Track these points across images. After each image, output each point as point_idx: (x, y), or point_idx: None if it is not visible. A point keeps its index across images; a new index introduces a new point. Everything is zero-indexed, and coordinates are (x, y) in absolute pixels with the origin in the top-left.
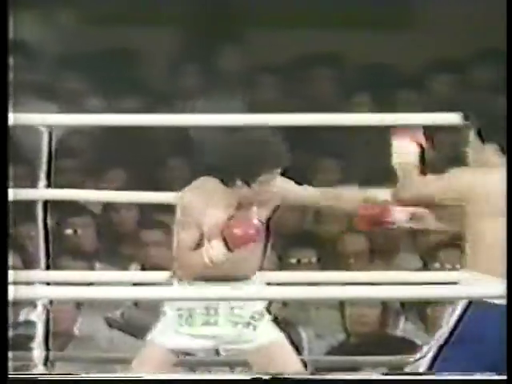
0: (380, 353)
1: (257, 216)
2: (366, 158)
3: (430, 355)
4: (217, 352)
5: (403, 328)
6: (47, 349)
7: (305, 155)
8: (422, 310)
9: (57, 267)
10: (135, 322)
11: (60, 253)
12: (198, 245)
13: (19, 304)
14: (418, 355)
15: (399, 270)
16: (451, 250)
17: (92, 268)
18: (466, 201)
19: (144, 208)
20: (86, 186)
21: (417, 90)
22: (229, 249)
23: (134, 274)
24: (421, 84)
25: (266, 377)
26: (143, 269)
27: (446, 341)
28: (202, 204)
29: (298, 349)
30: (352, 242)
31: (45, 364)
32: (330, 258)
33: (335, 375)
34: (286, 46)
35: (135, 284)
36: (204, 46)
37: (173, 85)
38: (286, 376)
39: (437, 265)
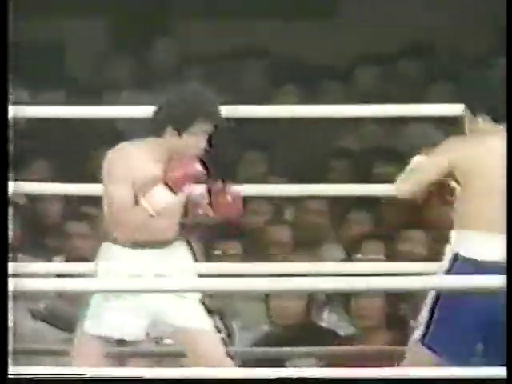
0: (305, 343)
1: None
2: (292, 150)
3: (420, 330)
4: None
5: (327, 319)
6: None
7: (231, 148)
8: (347, 302)
9: None
10: (59, 313)
11: None
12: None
13: None
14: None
15: (323, 260)
16: (373, 241)
17: (15, 260)
18: (458, 168)
19: (69, 200)
20: (10, 178)
21: (344, 81)
22: (172, 191)
23: (59, 265)
24: (347, 76)
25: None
26: (67, 261)
27: (431, 314)
28: (129, 161)
29: (227, 340)
30: (276, 233)
31: None
32: (256, 249)
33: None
34: (215, 37)
35: (59, 276)
36: (134, 37)
37: (102, 77)
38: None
39: (359, 256)
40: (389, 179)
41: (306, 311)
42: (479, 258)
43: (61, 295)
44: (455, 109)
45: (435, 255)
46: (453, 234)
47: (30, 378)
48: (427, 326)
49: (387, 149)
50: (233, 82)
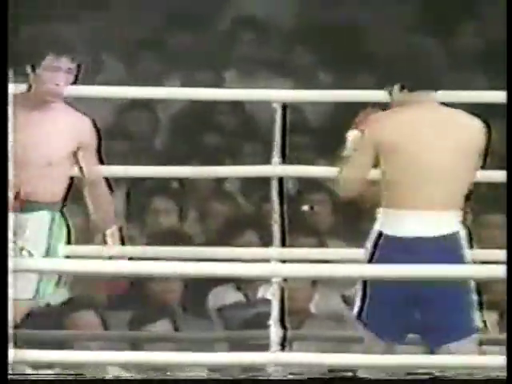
0: None
1: None
2: None
3: (357, 306)
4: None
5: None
6: (284, 327)
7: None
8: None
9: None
10: None
11: (292, 230)
12: None
13: (255, 282)
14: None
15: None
16: None
17: (324, 245)
18: (382, 144)
19: None
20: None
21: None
22: None
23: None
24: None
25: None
26: None
27: (364, 289)
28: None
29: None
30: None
31: (281, 343)
32: None
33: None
34: None
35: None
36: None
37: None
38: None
39: None
40: None
41: None
42: (403, 235)
43: None
44: None
45: None
46: (379, 213)
47: (30, 380)
48: (362, 301)
49: None
50: None
